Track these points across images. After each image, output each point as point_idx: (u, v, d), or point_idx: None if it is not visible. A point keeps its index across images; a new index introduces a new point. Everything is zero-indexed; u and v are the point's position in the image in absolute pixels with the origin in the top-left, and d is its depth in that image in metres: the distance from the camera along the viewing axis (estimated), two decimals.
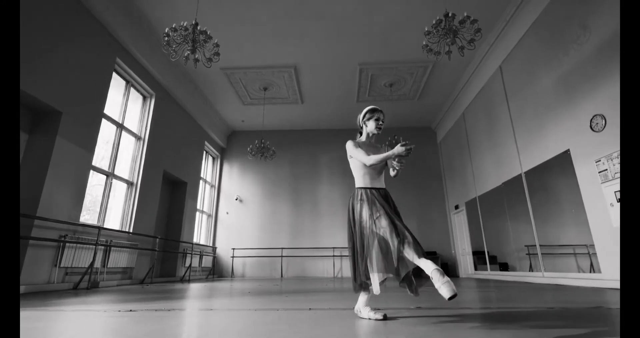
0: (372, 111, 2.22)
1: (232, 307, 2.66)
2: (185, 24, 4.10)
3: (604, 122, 4.20)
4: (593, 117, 4.36)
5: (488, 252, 7.76)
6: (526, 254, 6.21)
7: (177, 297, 3.57)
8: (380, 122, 2.20)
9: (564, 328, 1.64)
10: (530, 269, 6.04)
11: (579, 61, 4.65)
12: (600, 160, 4.26)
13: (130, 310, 2.33)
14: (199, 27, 4.20)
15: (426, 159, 10.76)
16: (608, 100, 4.15)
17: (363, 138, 2.27)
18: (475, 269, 8.41)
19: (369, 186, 2.09)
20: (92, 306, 2.69)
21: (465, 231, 8.96)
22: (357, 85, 8.56)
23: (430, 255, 9.68)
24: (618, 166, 4.00)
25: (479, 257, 8.31)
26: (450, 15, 3.94)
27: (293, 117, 10.40)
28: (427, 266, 1.69)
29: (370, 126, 2.21)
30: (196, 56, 4.33)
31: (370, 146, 2.21)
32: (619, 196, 3.99)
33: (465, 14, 3.89)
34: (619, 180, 3.98)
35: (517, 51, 6.23)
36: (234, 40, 6.81)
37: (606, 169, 4.16)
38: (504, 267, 7.35)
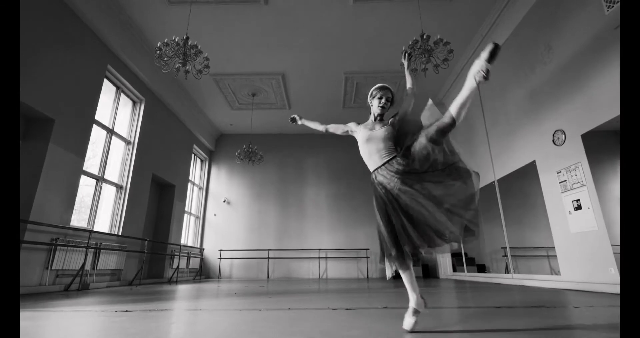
0: (378, 88, 2.09)
1: (219, 307, 2.91)
2: (177, 39, 4.32)
3: (564, 137, 4.59)
4: (555, 132, 4.75)
5: (466, 254, 8.16)
6: (502, 256, 6.60)
7: (167, 298, 3.80)
8: (384, 101, 2.06)
9: (499, 325, 1.96)
10: (506, 271, 6.43)
11: (543, 79, 5.04)
12: (560, 171, 4.65)
13: (126, 311, 2.56)
14: (189, 42, 4.42)
15: None
16: (568, 116, 4.54)
17: (369, 120, 2.14)
18: (454, 270, 8.81)
19: (372, 168, 2.01)
20: (88, 307, 2.91)
21: None
22: (343, 92, 8.87)
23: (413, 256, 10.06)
24: (576, 178, 4.39)
25: (457, 259, 8.70)
26: (425, 37, 4.26)
27: (281, 121, 10.63)
28: (412, 299, 1.83)
29: (374, 105, 2.10)
30: (187, 68, 4.55)
31: (371, 127, 2.08)
32: (576, 205, 4.39)
33: (438, 37, 4.22)
34: (576, 190, 4.37)
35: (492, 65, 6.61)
36: (224, 48, 7.03)
37: (565, 180, 4.56)
38: (482, 269, 7.76)
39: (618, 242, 3.87)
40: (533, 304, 2.87)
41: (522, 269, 5.94)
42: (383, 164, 1.94)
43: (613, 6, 3.81)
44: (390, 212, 1.83)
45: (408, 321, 1.75)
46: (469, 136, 7.65)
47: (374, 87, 2.12)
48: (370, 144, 2.01)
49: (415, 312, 1.78)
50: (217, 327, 2.00)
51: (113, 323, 2.07)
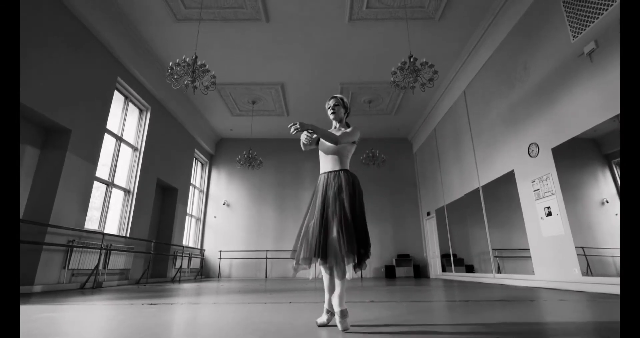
0: (328, 101, 2.23)
1: (229, 301, 3.34)
2: (187, 59, 4.74)
3: (537, 149, 5.07)
4: (530, 144, 5.23)
5: (455, 255, 8.64)
6: (491, 257, 7.05)
7: (178, 295, 4.22)
8: (332, 105, 2.19)
9: (462, 312, 2.41)
10: (496, 271, 6.88)
11: (521, 96, 5.52)
12: (534, 181, 5.13)
13: (151, 304, 2.98)
14: (198, 62, 4.85)
15: (403, 168, 11.63)
16: (541, 131, 5.02)
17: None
18: (444, 270, 9.29)
19: (321, 171, 2.16)
20: (114, 301, 3.32)
21: (435, 236, 9.84)
22: None
23: (404, 258, 10.56)
24: (547, 187, 4.87)
25: (446, 260, 9.19)
26: (412, 59, 4.72)
27: (279, 127, 11.07)
28: (335, 303, 1.83)
29: (329, 115, 2.23)
30: (195, 85, 4.98)
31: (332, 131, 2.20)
32: (547, 212, 4.86)
33: (424, 60, 4.69)
34: (547, 198, 4.85)
35: (477, 79, 7.11)
36: (227, 59, 7.46)
37: (539, 189, 5.03)
38: (470, 269, 8.24)
39: (582, 245, 4.35)
40: (497, 298, 3.33)
41: (509, 269, 6.38)
42: (332, 172, 2.09)
43: (578, 36, 4.29)
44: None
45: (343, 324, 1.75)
46: (456, 146, 8.13)
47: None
48: (322, 151, 2.17)
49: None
50: (233, 314, 2.43)
51: (147, 313, 2.49)
